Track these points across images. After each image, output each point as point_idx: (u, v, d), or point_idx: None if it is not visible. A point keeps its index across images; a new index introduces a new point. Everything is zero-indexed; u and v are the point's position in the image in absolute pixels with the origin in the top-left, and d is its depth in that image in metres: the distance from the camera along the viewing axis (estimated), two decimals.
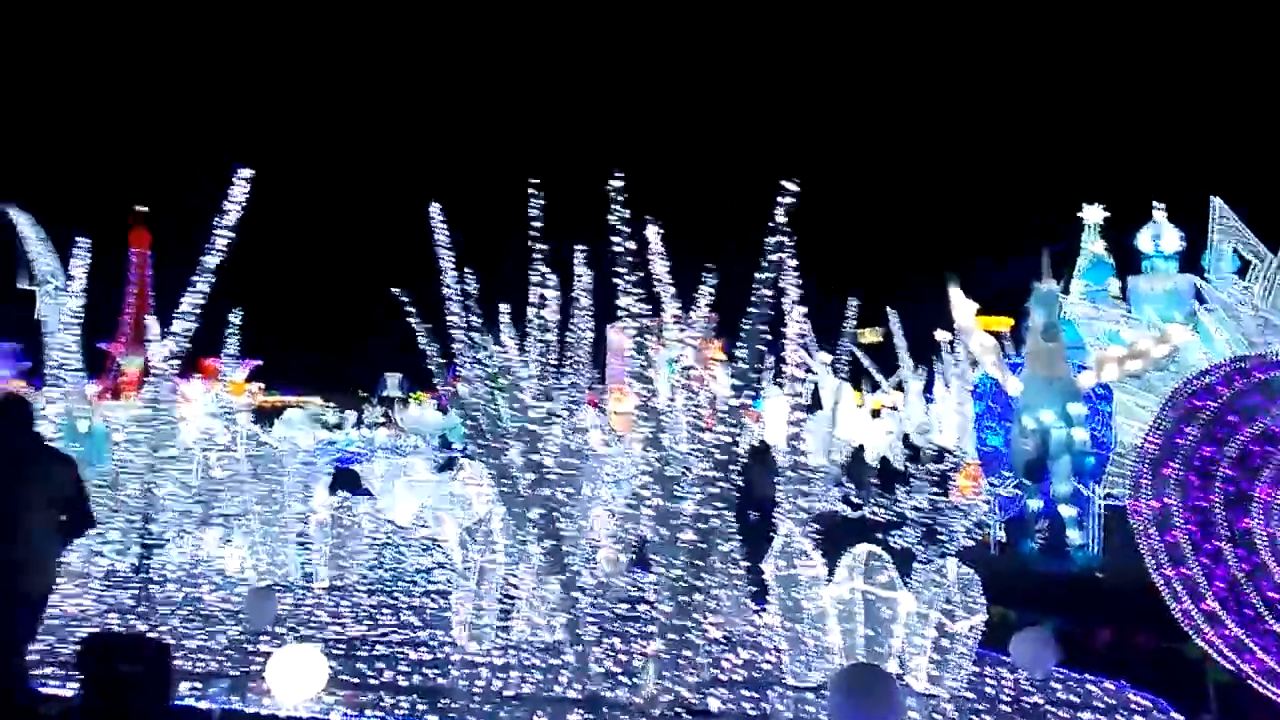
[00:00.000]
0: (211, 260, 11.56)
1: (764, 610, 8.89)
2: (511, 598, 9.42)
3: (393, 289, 11.99)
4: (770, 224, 7.32)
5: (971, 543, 13.51)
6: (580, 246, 13.27)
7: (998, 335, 21.53)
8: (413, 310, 11.20)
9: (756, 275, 7.54)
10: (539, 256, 10.03)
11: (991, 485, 15.53)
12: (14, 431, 6.41)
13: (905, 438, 24.90)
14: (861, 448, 22.69)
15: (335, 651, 8.62)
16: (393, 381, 62.43)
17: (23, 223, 26.55)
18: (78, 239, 13.15)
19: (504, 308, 13.68)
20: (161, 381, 11.65)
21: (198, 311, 11.62)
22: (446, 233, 11.74)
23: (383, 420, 38.96)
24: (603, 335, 29.88)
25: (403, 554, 14.97)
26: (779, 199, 7.31)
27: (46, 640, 8.12)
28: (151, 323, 16.22)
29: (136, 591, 9.52)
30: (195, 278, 11.53)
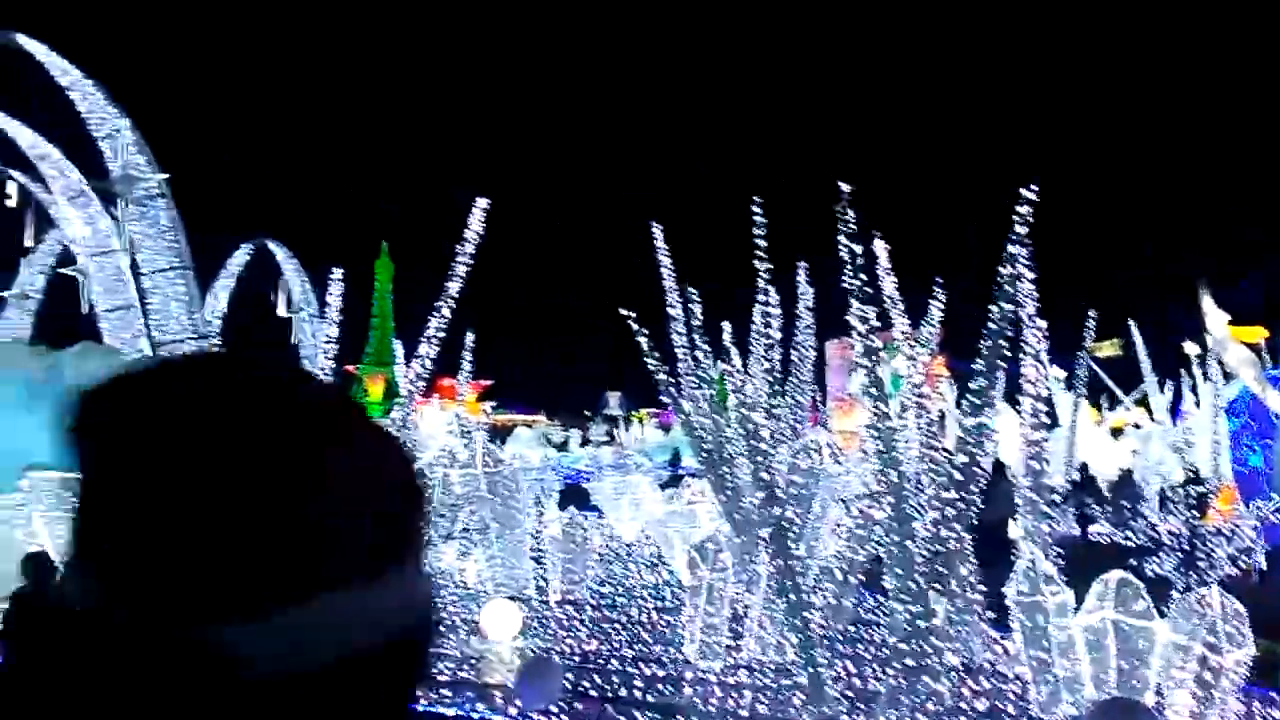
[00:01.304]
0: (453, 287, 12.15)
1: (1006, 637, 8.53)
2: (742, 616, 9.42)
3: (621, 310, 12.26)
4: (1009, 235, 7.05)
5: (1236, 571, 12.52)
6: (802, 263, 13.23)
7: (1253, 347, 20.05)
8: (640, 330, 11.42)
9: (993, 288, 7.28)
10: (763, 274, 10.01)
11: (1255, 509, 14.37)
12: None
13: (1154, 458, 23.40)
14: (1085, 466, 21.49)
15: (570, 664, 8.85)
16: (614, 400, 63.79)
17: (281, 255, 28.74)
18: (332, 269, 14.07)
19: (727, 326, 13.74)
20: (409, 401, 12.33)
21: (441, 336, 12.23)
22: (668, 252, 11.95)
23: (606, 439, 39.92)
24: (824, 352, 29.49)
25: (630, 570, 15.28)
26: (1017, 208, 7.04)
27: None
28: (396, 346, 17.16)
29: None
30: (439, 304, 12.14)
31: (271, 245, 28.63)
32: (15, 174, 22.02)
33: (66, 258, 22.05)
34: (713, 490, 10.63)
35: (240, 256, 28.45)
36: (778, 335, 11.82)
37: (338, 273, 14.93)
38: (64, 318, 21.98)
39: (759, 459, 8.56)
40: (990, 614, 9.11)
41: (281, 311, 28.57)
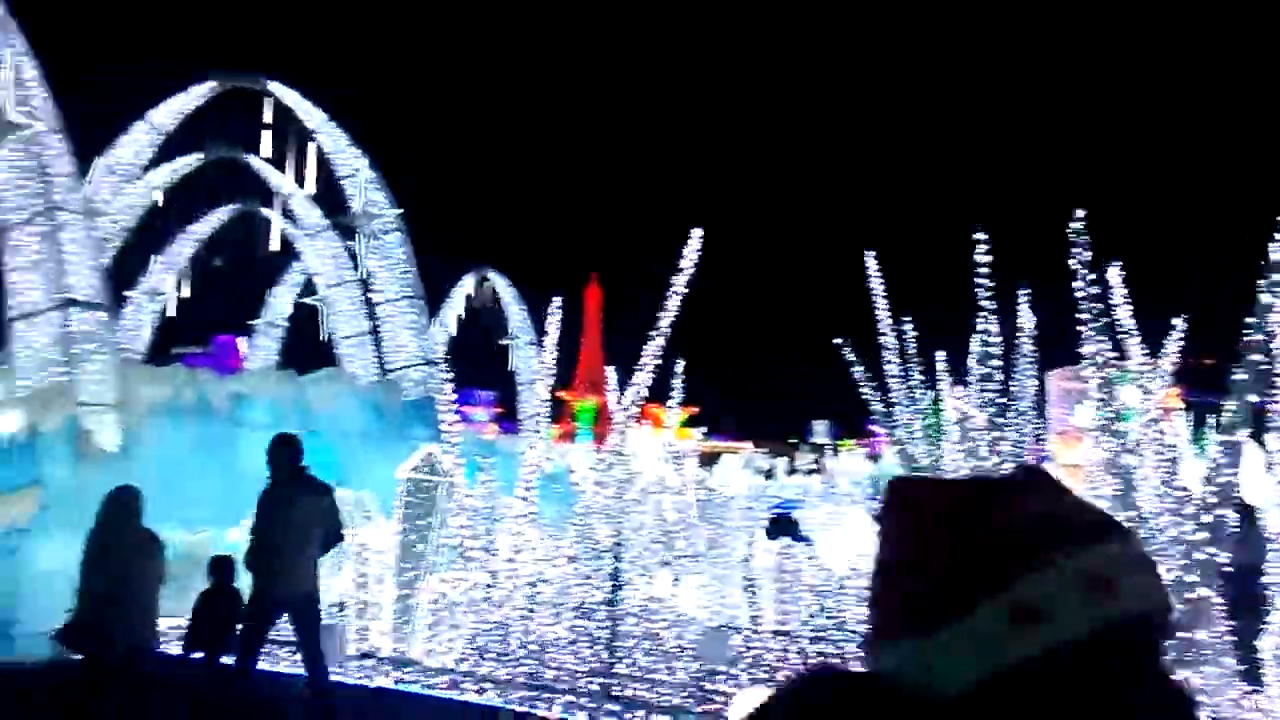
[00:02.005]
0: (666, 316, 12.34)
1: (1260, 692, 7.91)
2: None
3: (834, 339, 12.14)
4: (1265, 261, 6.60)
5: None
6: (1024, 290, 12.76)
7: None
8: (854, 359, 11.28)
9: (1245, 316, 6.83)
10: (985, 302, 9.72)
11: None
12: (294, 463, 7.94)
13: None
14: None
15: None
16: (821, 428, 62.99)
17: (500, 284, 29.91)
18: (552, 298, 14.53)
19: (941, 354, 13.38)
20: (623, 428, 12.58)
21: (655, 364, 12.43)
22: (882, 278, 11.76)
23: (814, 467, 39.47)
24: (1044, 383, 28.26)
25: (843, 603, 15.00)
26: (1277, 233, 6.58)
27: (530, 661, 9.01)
28: (609, 373, 17.52)
29: (607, 625, 10.30)
30: (652, 332, 12.36)
31: (491, 274, 29.93)
32: (265, 211, 23.90)
33: (309, 289, 23.73)
34: None
35: (463, 286, 29.86)
36: (998, 364, 11.44)
37: (556, 300, 15.36)
38: (306, 345, 23.63)
39: None
40: (1242, 669, 8.47)
41: (501, 339, 29.80)
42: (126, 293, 22.72)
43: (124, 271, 21.60)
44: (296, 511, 7.81)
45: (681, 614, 12.89)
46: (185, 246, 24.54)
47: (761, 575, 12.88)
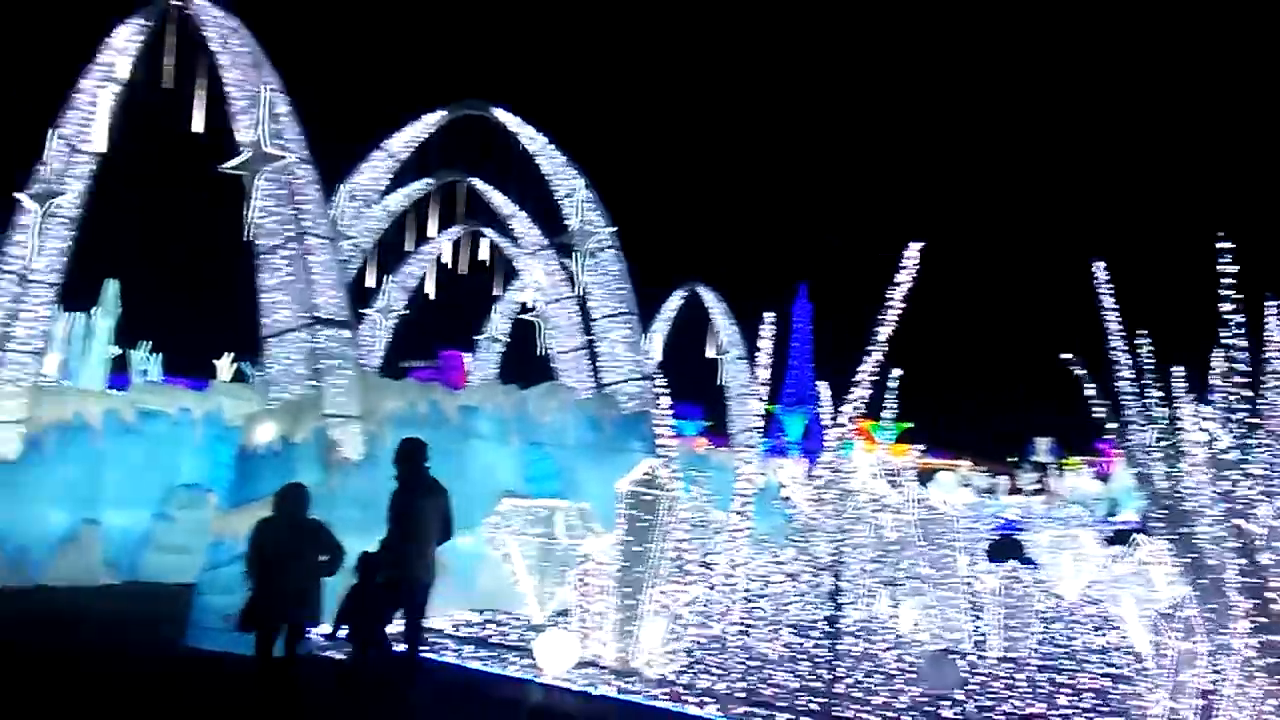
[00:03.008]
0: (884, 331, 12.13)
1: None
2: (1212, 692, 8.52)
3: (1062, 355, 11.62)
4: None
5: None
6: (1272, 302, 11.84)
7: None
8: (1085, 375, 10.75)
9: None
10: (1231, 315, 9.09)
11: None
12: (423, 466, 8.98)
13: None
14: None
15: None
16: (1042, 446, 60.38)
17: (710, 299, 30.09)
18: (763, 313, 14.54)
19: (1178, 370, 12.58)
20: (840, 444, 12.44)
21: (873, 379, 12.24)
22: (1112, 290, 11.15)
23: (1038, 486, 37.83)
24: None
25: (1073, 630, 14.32)
26: None
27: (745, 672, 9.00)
28: (822, 387, 17.35)
29: (827, 643, 10.21)
30: (870, 347, 12.17)
31: (701, 289, 30.19)
32: (487, 231, 24.92)
33: (527, 305, 24.61)
34: (1173, 549, 9.75)
35: (674, 301, 30.23)
36: (1244, 380, 10.66)
37: (769, 316, 15.35)
38: (524, 358, 24.50)
39: (1234, 519, 7.75)
40: None
41: (710, 353, 29.98)
42: (363, 310, 24.20)
43: (361, 290, 23.00)
44: (420, 511, 8.76)
45: (902, 635, 12.65)
46: (415, 266, 25.90)
47: (986, 598, 12.48)
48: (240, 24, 15.09)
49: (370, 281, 23.54)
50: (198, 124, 15.33)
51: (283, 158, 14.08)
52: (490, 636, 11.70)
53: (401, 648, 8.90)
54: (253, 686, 8.39)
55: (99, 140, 16.36)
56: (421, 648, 9.11)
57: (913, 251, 12.02)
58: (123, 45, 16.32)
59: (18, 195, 16.26)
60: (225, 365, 37.12)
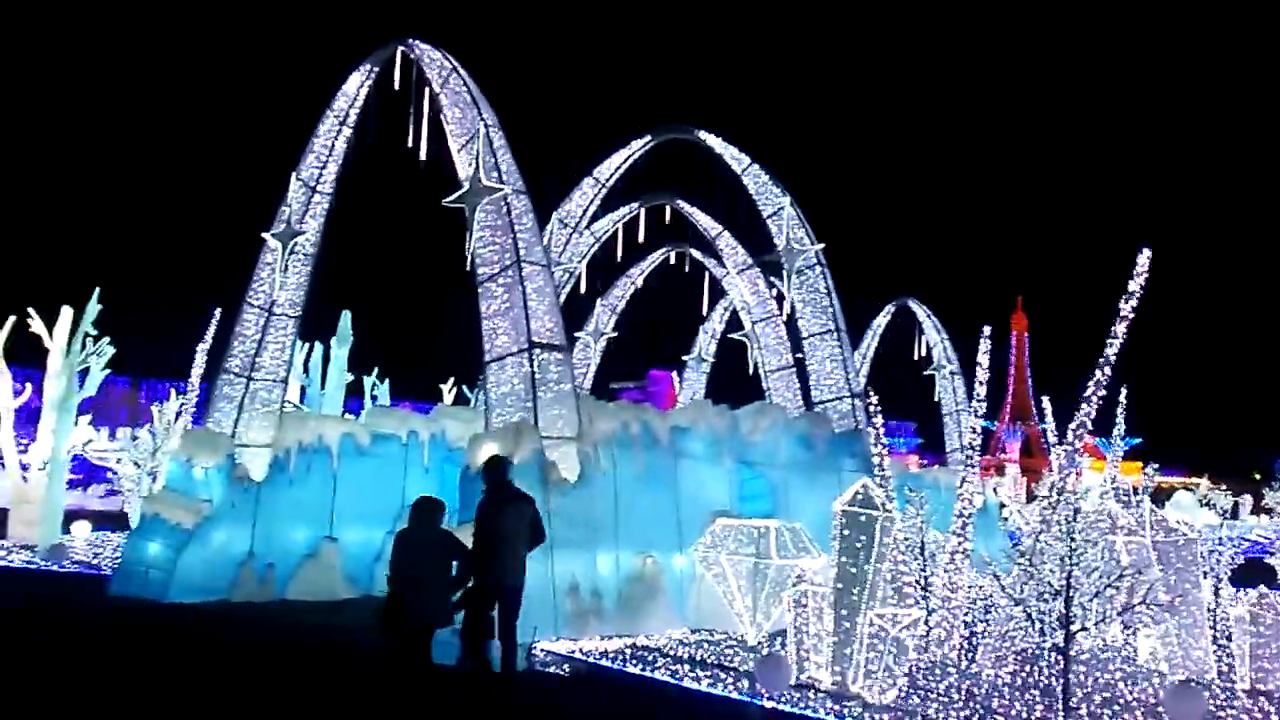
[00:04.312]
0: (1115, 343, 11.53)
1: None
2: None
3: None
4: None
5: None
6: None
7: None
8: None
9: None
10: None
11: None
12: (505, 478, 9.91)
13: None
14: None
15: None
16: None
17: (921, 313, 29.35)
18: (983, 327, 14.06)
19: None
20: (1068, 462, 11.87)
21: (1100, 394, 11.64)
22: None
23: None
24: None
25: None
26: None
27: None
28: (1045, 403, 16.64)
29: (1055, 672, 9.75)
30: (1099, 360, 11.58)
31: (912, 304, 29.47)
32: (693, 252, 25.18)
33: (735, 324, 24.65)
34: None
35: (883, 317, 29.64)
36: None
37: (986, 330, 14.83)
38: (734, 378, 24.55)
39: None
40: None
41: (924, 369, 29.20)
42: (575, 334, 24.87)
43: (573, 313, 23.66)
44: (507, 519, 9.55)
45: (1140, 665, 11.91)
46: (623, 289, 26.43)
47: (1232, 626, 11.63)
48: (458, 65, 15.87)
49: (582, 305, 24.19)
50: (422, 158, 16.21)
51: (499, 189, 14.67)
52: (706, 656, 11.75)
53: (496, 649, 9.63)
54: (410, 683, 9.00)
55: (333, 182, 17.55)
56: (514, 647, 9.80)
57: (1143, 259, 11.39)
58: (354, 91, 17.46)
59: (264, 235, 17.61)
60: (448, 390, 38.83)
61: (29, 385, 25.57)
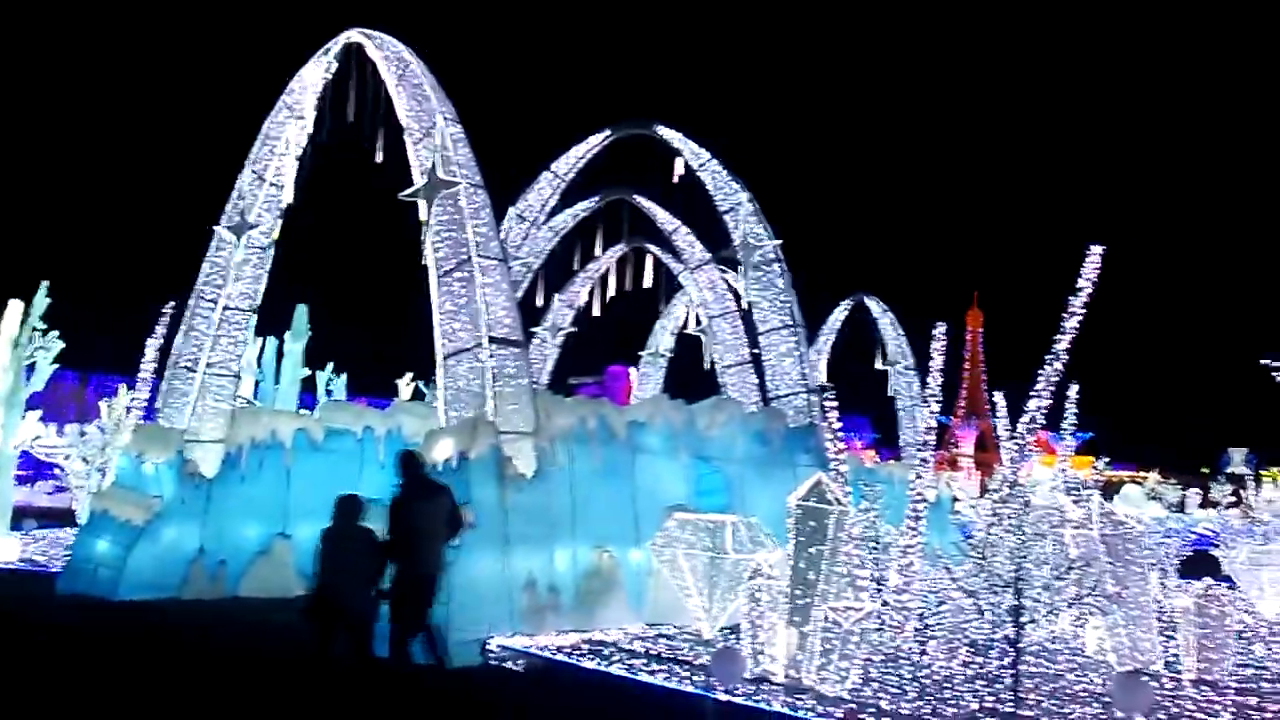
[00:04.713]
0: (1064, 340, 11.69)
1: None
2: None
3: (1263, 358, 10.97)
4: None
5: None
6: None
7: None
8: None
9: None
10: None
11: None
12: (419, 471, 10.17)
13: None
14: None
15: None
16: (1238, 457, 56.84)
17: (876, 310, 29.60)
18: (935, 324, 14.21)
19: None
20: (1018, 456, 12.03)
21: (1051, 389, 11.80)
22: None
23: (1233, 500, 35.66)
24: None
25: (1273, 651, 13.45)
26: None
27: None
28: (998, 398, 16.85)
29: (1005, 663, 9.88)
30: (1049, 356, 11.74)
31: (868, 300, 29.72)
32: (651, 247, 25.19)
33: (694, 319, 24.72)
34: None
35: (839, 313, 29.85)
36: None
37: (940, 326, 14.98)
38: (690, 374, 24.61)
39: None
40: None
41: (879, 364, 29.45)
42: (533, 329, 24.79)
43: (530, 308, 23.57)
44: (423, 512, 9.76)
45: (1088, 656, 12.11)
46: (581, 284, 26.39)
47: (1179, 618, 11.86)
48: (415, 57, 15.74)
49: (539, 300, 24.10)
50: (378, 153, 16.07)
51: (456, 183, 14.59)
52: (662, 651, 11.78)
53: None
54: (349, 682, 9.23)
55: (288, 175, 17.35)
56: (434, 634, 10.11)
57: (1094, 255, 11.56)
58: (308, 82, 17.27)
59: (214, 228, 17.38)
60: (405, 385, 38.59)
61: None
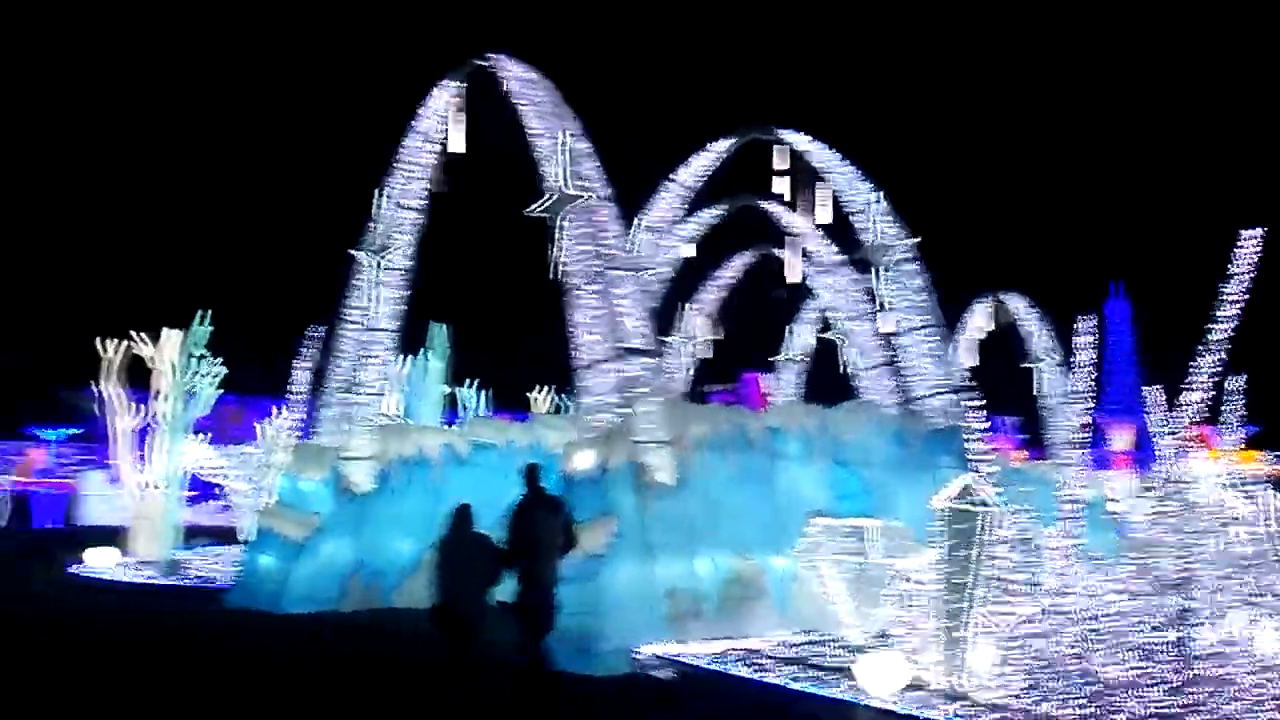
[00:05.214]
0: (1221, 329, 11.17)
1: None
2: None
3: None
4: None
5: None
6: None
7: None
8: None
9: None
10: None
11: None
12: (538, 484, 10.21)
13: None
14: None
15: None
16: None
17: (1018, 306, 28.74)
18: (1080, 316, 13.74)
19: None
20: (1176, 454, 11.52)
21: (1209, 382, 11.28)
22: None
23: None
24: None
25: None
26: None
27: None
28: (1152, 392, 16.16)
29: (1177, 669, 9.45)
30: (1204, 346, 11.23)
31: (1007, 296, 28.85)
32: (781, 252, 25.03)
33: (827, 324, 24.45)
34: None
35: (979, 310, 29.07)
36: None
37: (1086, 321, 14.49)
38: (827, 378, 24.35)
39: None
40: None
41: (1024, 364, 28.57)
42: (665, 338, 24.92)
43: (663, 318, 23.70)
44: (540, 524, 9.91)
45: (1262, 658, 11.48)
46: (713, 292, 26.41)
47: None
48: (540, 76, 16.04)
49: (674, 310, 24.23)
50: (505, 170, 16.44)
51: (583, 198, 14.79)
52: (810, 658, 11.66)
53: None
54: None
55: (420, 191, 17.92)
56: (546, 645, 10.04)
57: (1251, 238, 11.02)
58: (438, 107, 17.77)
59: (353, 251, 18.02)
60: (541, 398, 39.21)
61: (144, 407, 26.54)
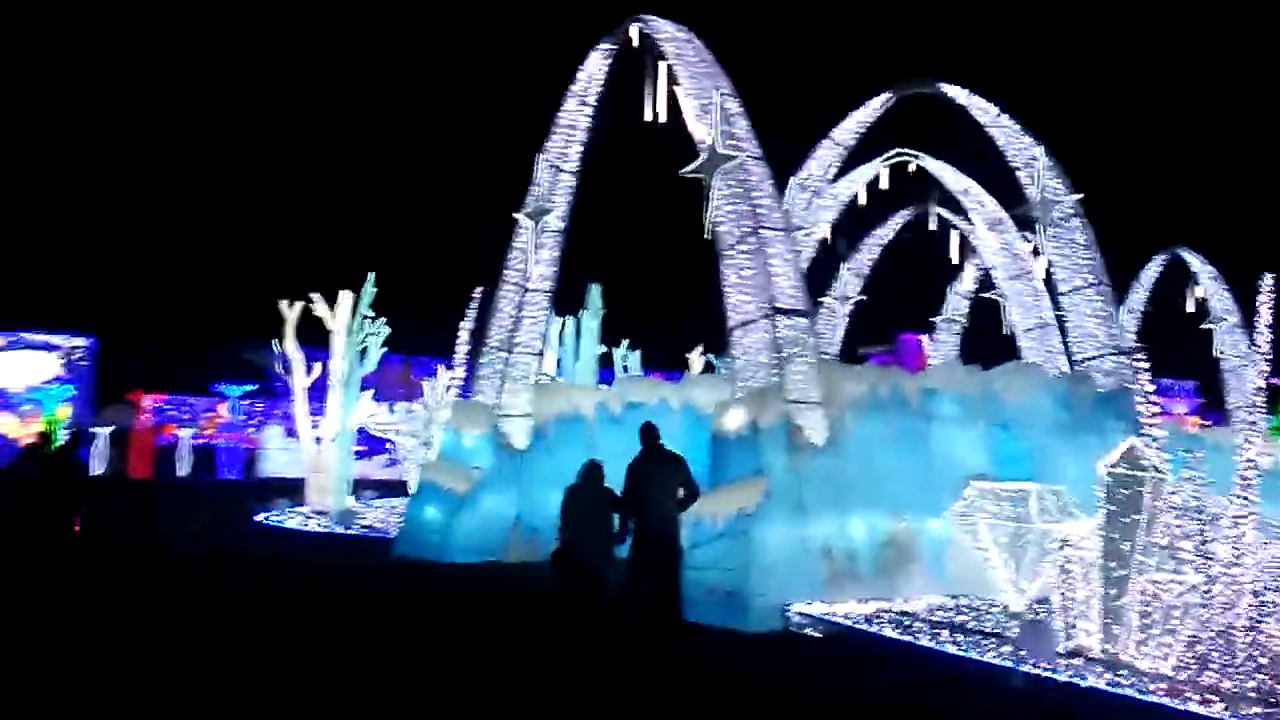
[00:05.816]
0: None
1: None
2: None
3: None
4: None
5: None
6: None
7: None
8: None
9: None
10: None
11: None
12: (655, 442, 10.76)
13: None
14: None
15: None
16: None
17: (1196, 264, 27.28)
18: (1264, 275, 12.96)
19: None
20: None
21: None
22: None
23: None
24: None
25: None
26: None
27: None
28: None
29: None
30: None
31: (1185, 254, 27.43)
32: (940, 209, 24.39)
33: (987, 283, 23.75)
34: None
35: (1152, 269, 27.75)
36: None
37: (1268, 279, 13.68)
38: (988, 338, 23.69)
39: None
40: None
41: (1202, 325, 27.17)
42: (820, 299, 24.68)
43: (817, 278, 23.48)
44: (656, 477, 10.34)
45: None
46: (869, 252, 25.97)
47: None
48: (692, 35, 16.02)
49: (826, 269, 23.97)
50: (659, 121, 16.46)
51: (736, 157, 14.75)
52: (966, 622, 11.51)
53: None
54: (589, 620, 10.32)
55: (578, 160, 18.16)
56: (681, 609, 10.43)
57: None
58: (593, 70, 17.97)
59: (515, 214, 18.47)
60: (696, 358, 39.41)
61: (318, 365, 27.96)
